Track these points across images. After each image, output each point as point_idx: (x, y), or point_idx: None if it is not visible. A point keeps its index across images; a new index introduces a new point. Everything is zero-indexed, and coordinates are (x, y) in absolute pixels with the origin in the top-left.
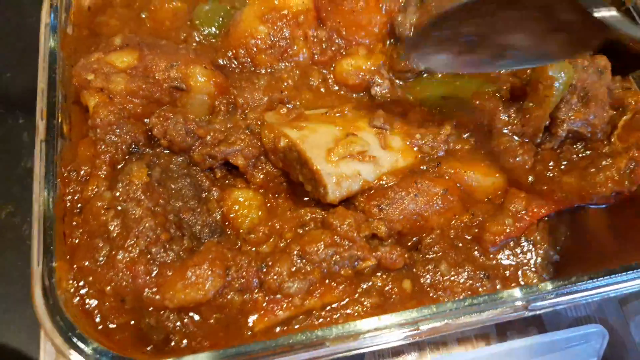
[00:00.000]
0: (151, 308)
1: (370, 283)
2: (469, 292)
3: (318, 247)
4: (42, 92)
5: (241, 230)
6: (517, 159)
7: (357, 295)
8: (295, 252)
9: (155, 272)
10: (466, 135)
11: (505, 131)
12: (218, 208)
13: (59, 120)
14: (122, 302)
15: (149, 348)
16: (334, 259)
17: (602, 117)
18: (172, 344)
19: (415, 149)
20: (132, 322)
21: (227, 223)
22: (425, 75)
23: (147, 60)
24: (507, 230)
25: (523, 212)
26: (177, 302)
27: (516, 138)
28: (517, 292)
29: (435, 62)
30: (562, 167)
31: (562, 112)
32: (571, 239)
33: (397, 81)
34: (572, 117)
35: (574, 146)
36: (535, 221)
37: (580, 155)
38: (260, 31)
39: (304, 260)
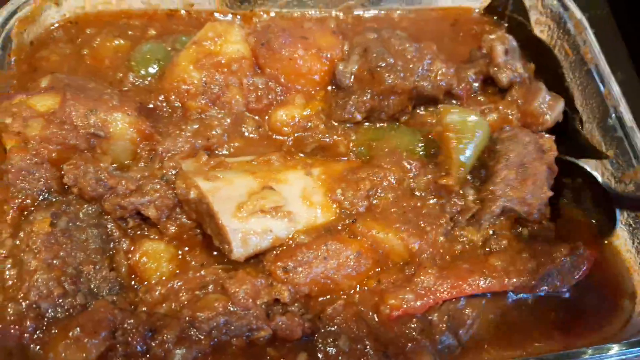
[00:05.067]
0: None
1: (264, 355)
2: None
3: (209, 315)
4: None
5: (138, 288)
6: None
7: None
8: (186, 318)
9: (43, 328)
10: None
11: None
12: (125, 260)
13: None
14: (10, 355)
15: None
16: (225, 328)
17: (540, 197)
18: None
19: (334, 205)
20: None
21: (134, 276)
22: (367, 124)
23: (67, 105)
24: (405, 307)
25: (428, 291)
26: None
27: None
28: None
29: None
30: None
31: (499, 187)
32: (477, 325)
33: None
34: (509, 194)
35: (514, 229)
36: (440, 302)
37: (515, 235)
38: (193, 77)
39: (193, 329)
